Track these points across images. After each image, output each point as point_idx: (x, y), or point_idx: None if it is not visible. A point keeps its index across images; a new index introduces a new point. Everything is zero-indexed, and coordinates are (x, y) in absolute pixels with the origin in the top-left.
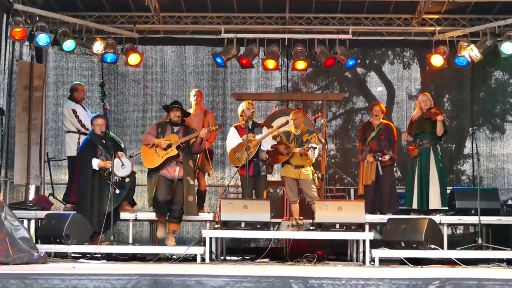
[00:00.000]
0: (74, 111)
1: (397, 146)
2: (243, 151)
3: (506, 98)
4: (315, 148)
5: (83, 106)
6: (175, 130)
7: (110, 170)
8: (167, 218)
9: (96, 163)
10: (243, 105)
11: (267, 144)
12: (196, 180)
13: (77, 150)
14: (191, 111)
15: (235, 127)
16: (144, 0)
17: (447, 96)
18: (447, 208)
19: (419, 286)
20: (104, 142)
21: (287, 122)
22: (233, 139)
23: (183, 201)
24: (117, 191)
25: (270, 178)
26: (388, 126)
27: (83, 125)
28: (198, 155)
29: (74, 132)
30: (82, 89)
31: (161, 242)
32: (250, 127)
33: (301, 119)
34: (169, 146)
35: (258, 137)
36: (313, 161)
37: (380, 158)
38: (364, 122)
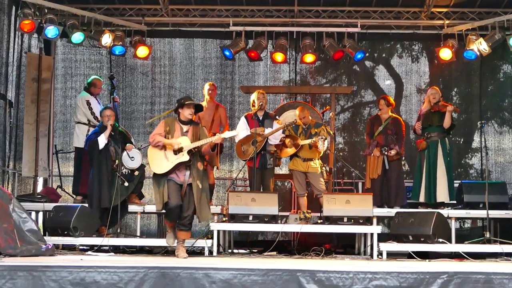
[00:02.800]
0: (88, 103)
1: (405, 140)
2: (249, 144)
3: None
4: (325, 139)
5: (97, 99)
6: (184, 130)
7: (119, 163)
8: (176, 225)
9: (102, 141)
10: (254, 95)
11: (276, 139)
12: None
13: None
14: (203, 103)
15: (245, 116)
16: None
17: (455, 89)
18: (455, 201)
19: (426, 280)
20: (113, 133)
21: (294, 122)
22: (242, 129)
23: (194, 208)
24: (126, 184)
25: (278, 171)
26: (396, 120)
27: (95, 117)
28: None
29: (84, 123)
30: (100, 86)
31: None
32: (260, 118)
33: (308, 115)
34: (179, 150)
35: (266, 131)
36: (322, 153)
37: (386, 153)
38: (372, 115)
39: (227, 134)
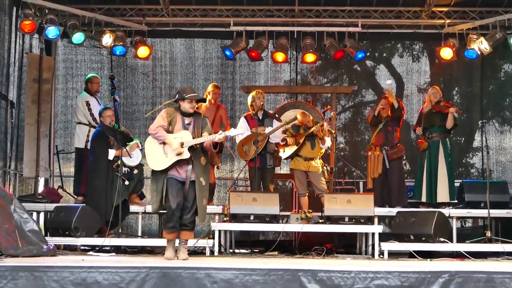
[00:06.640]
0: (88, 104)
1: (406, 139)
2: (251, 144)
3: None
4: (330, 119)
5: (97, 100)
6: (186, 122)
7: (119, 162)
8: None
9: (112, 153)
10: (252, 95)
11: (277, 137)
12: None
13: (87, 143)
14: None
15: (245, 117)
16: None
17: (456, 89)
18: (456, 201)
19: (428, 279)
20: (114, 133)
21: (295, 118)
22: (242, 130)
23: (196, 206)
24: (126, 182)
25: (279, 170)
26: (393, 115)
27: (94, 119)
28: None
29: (85, 124)
30: (97, 82)
31: None
32: (260, 118)
33: (310, 119)
34: (180, 146)
35: (267, 130)
36: (328, 141)
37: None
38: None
39: (232, 131)
